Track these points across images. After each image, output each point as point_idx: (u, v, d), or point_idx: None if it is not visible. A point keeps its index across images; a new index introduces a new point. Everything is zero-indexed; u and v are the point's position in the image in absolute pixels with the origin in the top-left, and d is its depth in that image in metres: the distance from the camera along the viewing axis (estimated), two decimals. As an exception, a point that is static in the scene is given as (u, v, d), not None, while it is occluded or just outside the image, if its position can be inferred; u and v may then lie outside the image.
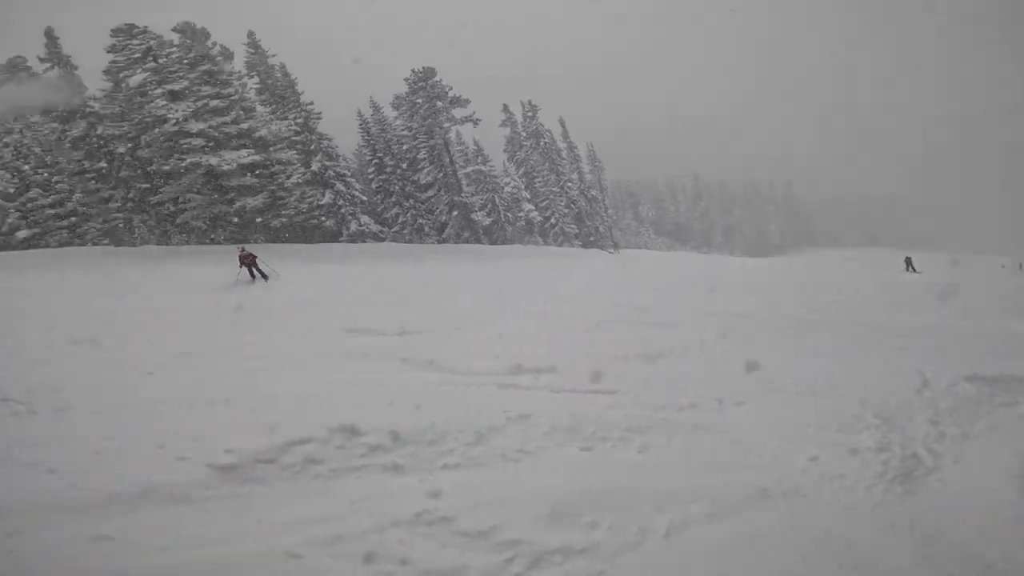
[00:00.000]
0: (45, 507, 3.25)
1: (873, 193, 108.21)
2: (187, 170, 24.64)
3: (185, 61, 25.66)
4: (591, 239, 45.62)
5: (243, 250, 15.25)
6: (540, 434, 4.62)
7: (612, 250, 43.58)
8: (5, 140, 25.30)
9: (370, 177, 35.53)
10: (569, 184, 44.87)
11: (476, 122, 33.78)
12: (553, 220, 42.66)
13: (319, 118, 30.60)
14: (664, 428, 4.93)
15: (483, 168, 38.41)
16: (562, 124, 47.00)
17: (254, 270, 14.82)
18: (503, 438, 4.50)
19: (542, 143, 43.91)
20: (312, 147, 29.63)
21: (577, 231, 44.21)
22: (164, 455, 3.89)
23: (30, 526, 3.09)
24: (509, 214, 38.83)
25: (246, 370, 6.15)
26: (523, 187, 41.05)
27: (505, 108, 43.37)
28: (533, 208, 40.49)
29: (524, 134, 44.06)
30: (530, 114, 44.06)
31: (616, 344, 7.62)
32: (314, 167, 28.97)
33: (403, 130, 35.39)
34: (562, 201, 43.74)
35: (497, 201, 38.16)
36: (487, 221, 36.38)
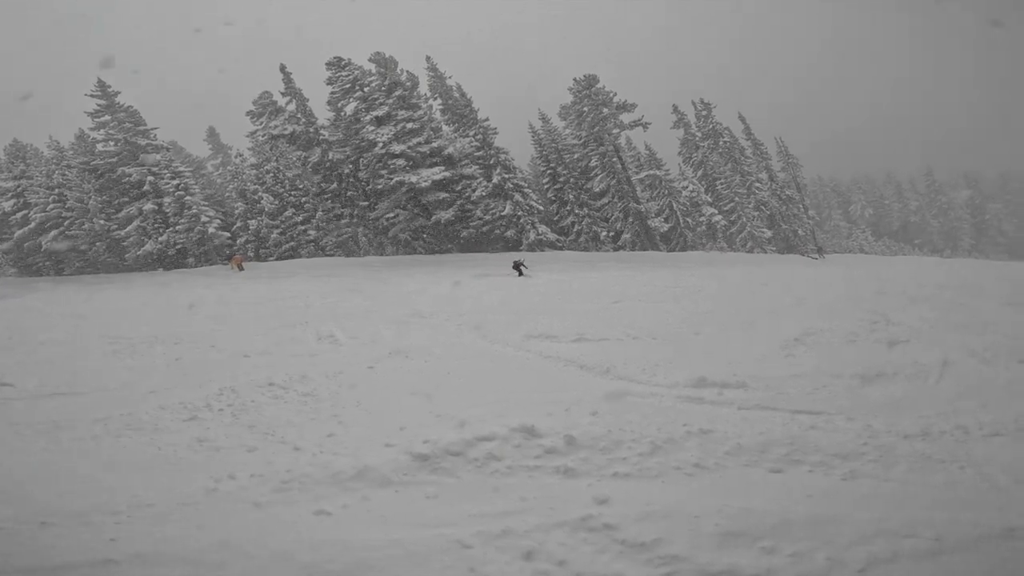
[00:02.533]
0: (288, 482, 3.96)
1: None
2: (394, 188, 28.39)
3: (383, 88, 29.40)
4: (789, 243, 40.71)
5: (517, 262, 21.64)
6: (722, 451, 4.28)
7: (815, 255, 38.25)
8: (267, 167, 31.96)
9: (545, 187, 36.82)
10: (757, 185, 40.81)
11: (645, 126, 32.82)
12: (741, 224, 39.13)
13: (495, 133, 32.66)
14: (881, 456, 4.20)
15: (657, 173, 37.09)
16: (743, 120, 42.96)
17: (521, 268, 20.65)
18: (680, 451, 4.28)
19: (721, 143, 40.69)
20: (491, 161, 31.81)
21: (770, 235, 39.85)
22: (375, 441, 4.53)
23: (275, 499, 3.78)
24: (688, 219, 36.77)
25: (443, 370, 6.86)
26: (703, 190, 38.51)
27: (675, 109, 41.23)
28: (716, 212, 37.69)
29: (699, 135, 41.32)
30: (704, 113, 41.19)
31: (822, 362, 6.70)
32: (495, 180, 31.09)
33: (572, 139, 35.94)
34: (750, 203, 39.91)
35: (675, 206, 36.46)
36: (665, 227, 34.94)
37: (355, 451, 4.38)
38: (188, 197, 28.91)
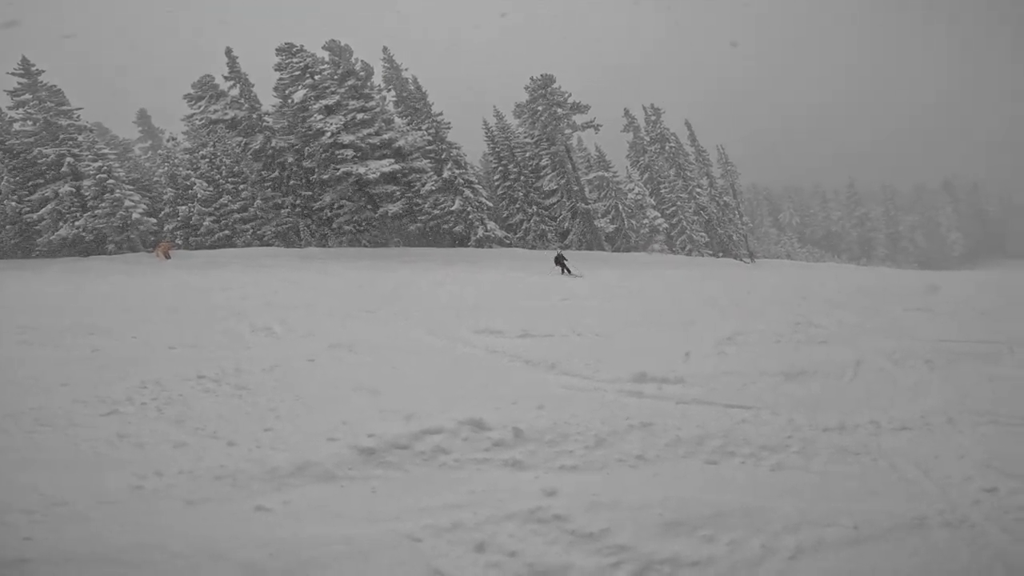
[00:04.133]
0: (222, 478, 3.80)
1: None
2: (340, 179, 27.65)
3: (335, 77, 28.67)
4: (724, 247, 42.80)
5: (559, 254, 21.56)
6: (662, 444, 4.46)
7: (747, 259, 40.43)
8: (202, 152, 30.30)
9: (495, 184, 36.94)
10: (698, 190, 42.67)
11: (597, 128, 33.60)
12: (681, 227, 40.78)
13: (449, 128, 32.51)
14: (803, 448, 4.51)
15: (606, 174, 38.05)
16: (689, 127, 44.89)
17: (565, 267, 20.22)
18: (623, 444, 4.43)
19: (667, 147, 42.31)
20: (443, 156, 31.59)
21: (707, 239, 41.77)
22: (317, 435, 4.40)
23: (206, 496, 3.61)
24: (633, 221, 37.94)
25: (389, 363, 6.75)
26: (647, 193, 39.85)
27: (626, 113, 42.56)
28: (659, 215, 39.10)
29: (648, 139, 42.80)
30: (653, 118, 42.70)
31: (752, 360, 7.11)
32: (445, 175, 30.86)
33: (525, 137, 36.31)
34: (690, 207, 41.67)
35: (620, 208, 37.53)
36: (610, 228, 35.92)
37: (295, 446, 4.23)
38: (111, 180, 26.85)
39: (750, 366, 6.76)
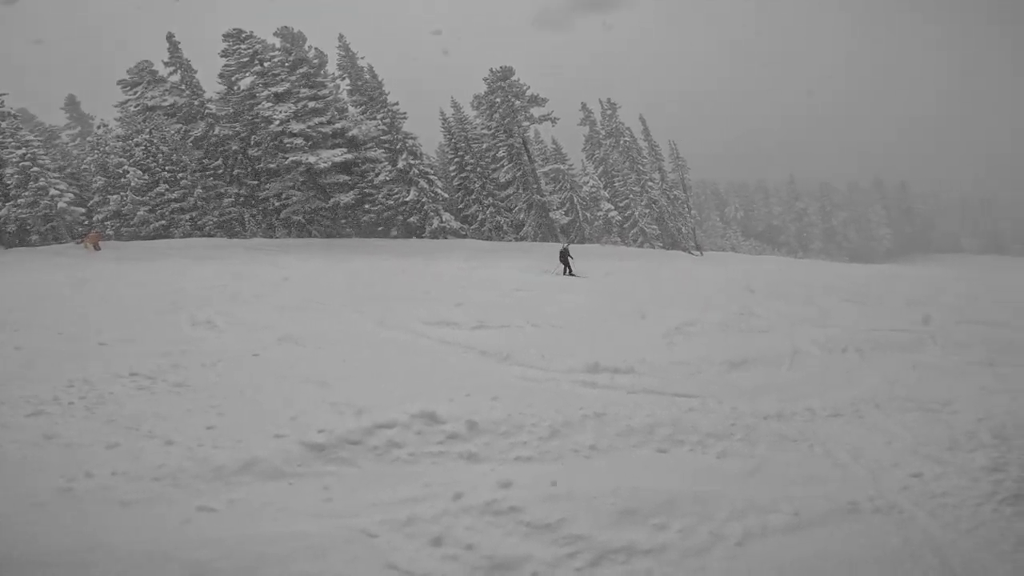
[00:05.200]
0: (160, 478, 3.63)
1: (1004, 196, 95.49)
2: (289, 168, 26.67)
3: (286, 64, 27.64)
4: (673, 240, 44.09)
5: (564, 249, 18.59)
6: (614, 433, 4.57)
7: (696, 252, 41.83)
8: (136, 140, 28.51)
9: (451, 175, 36.57)
10: (650, 184, 43.64)
11: (554, 120, 33.74)
12: (633, 220, 41.70)
13: (404, 118, 31.88)
14: (747, 435, 4.71)
15: (561, 167, 38.35)
16: (643, 122, 45.76)
17: (568, 265, 17.59)
18: (577, 434, 4.50)
19: (622, 141, 43.02)
20: (398, 146, 30.97)
21: (658, 232, 42.91)
22: (263, 432, 4.24)
23: (145, 496, 3.44)
24: (587, 213, 38.49)
25: (339, 357, 6.58)
26: (602, 186, 40.50)
27: (583, 107, 42.99)
28: (612, 208, 39.83)
29: (603, 132, 43.40)
30: (609, 112, 43.29)
31: (698, 350, 7.38)
32: (400, 165, 30.28)
33: (483, 129, 36.09)
34: (642, 201, 42.63)
35: (575, 200, 37.97)
36: (565, 220, 36.27)
37: (240, 443, 4.08)
38: (35, 168, 24.83)
39: (697, 356, 7.01)
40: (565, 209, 37.69)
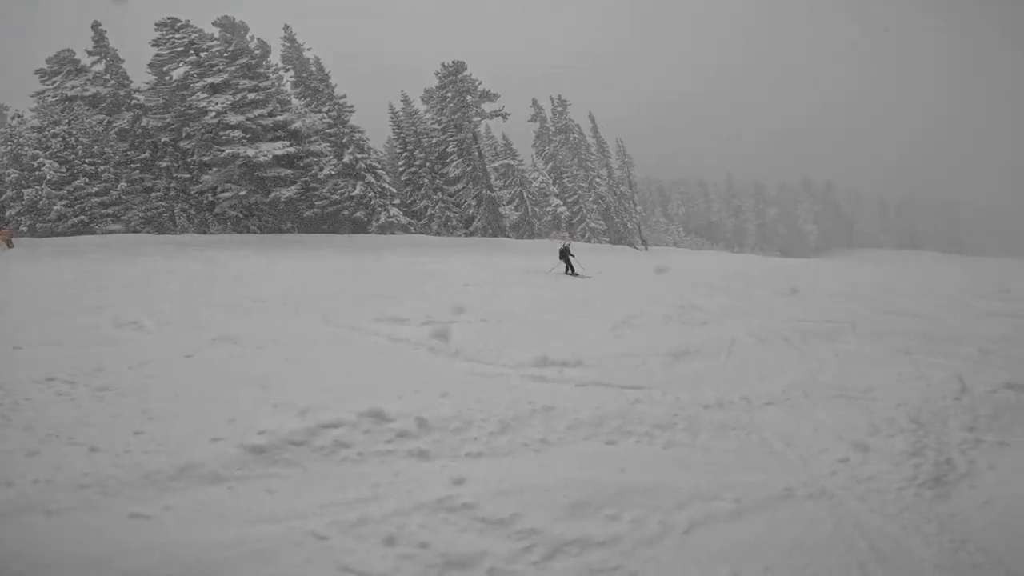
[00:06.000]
0: (86, 486, 3.40)
1: (918, 197, 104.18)
2: (225, 161, 25.44)
3: (225, 55, 26.48)
4: (620, 235, 45.20)
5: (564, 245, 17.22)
6: (564, 426, 4.63)
7: (641, 247, 43.07)
8: (54, 131, 26.43)
9: (400, 170, 36.00)
10: (598, 180, 44.56)
11: (505, 116, 33.85)
12: (581, 215, 42.43)
13: (352, 111, 31.15)
14: (689, 425, 4.89)
15: (511, 163, 38.51)
16: (592, 119, 46.66)
17: (570, 264, 16.32)
18: (527, 428, 4.53)
19: (571, 138, 43.68)
20: (344, 140, 30.17)
21: (605, 227, 43.88)
22: (199, 435, 4.03)
23: (71, 505, 3.22)
24: (537, 209, 38.84)
25: (281, 356, 6.32)
26: (551, 182, 40.98)
27: (534, 103, 43.35)
28: (561, 203, 40.39)
29: (553, 129, 43.91)
30: (559, 109, 43.85)
31: (643, 342, 7.57)
32: (346, 159, 29.50)
33: (433, 124, 35.75)
34: (590, 197, 43.45)
35: (525, 196, 38.22)
36: (515, 215, 36.47)
37: (174, 448, 3.85)
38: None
39: (643, 347, 7.22)
40: (515, 204, 37.90)
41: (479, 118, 34.40)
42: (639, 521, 3.48)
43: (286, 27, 32.48)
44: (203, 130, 25.58)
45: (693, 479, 3.98)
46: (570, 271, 16.16)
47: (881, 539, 3.45)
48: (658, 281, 15.85)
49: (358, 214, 29.91)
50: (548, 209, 39.54)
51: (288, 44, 32.36)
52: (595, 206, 43.60)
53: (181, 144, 26.77)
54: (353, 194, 29.61)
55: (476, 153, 34.95)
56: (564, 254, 16.40)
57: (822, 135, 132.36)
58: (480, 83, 33.62)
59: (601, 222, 43.27)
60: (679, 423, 4.89)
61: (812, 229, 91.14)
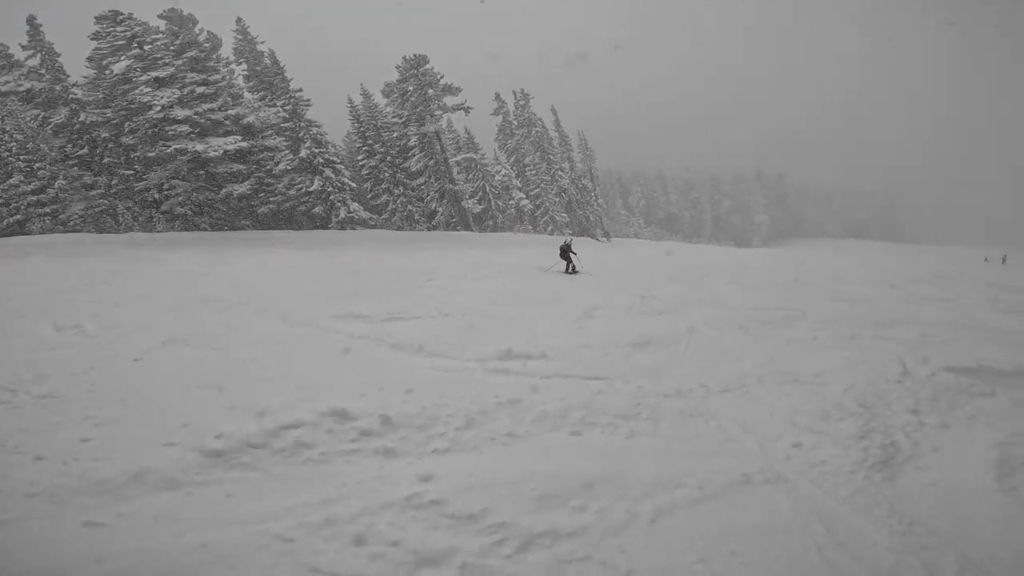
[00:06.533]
0: (34, 495, 3.24)
1: (862, 187, 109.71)
2: (172, 157, 24.39)
3: (171, 48, 25.40)
4: (582, 227, 45.70)
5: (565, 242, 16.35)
6: (530, 419, 4.67)
7: (603, 238, 43.67)
8: (-17, 127, 24.67)
9: (360, 164, 35.32)
10: (560, 173, 44.84)
11: (467, 110, 33.57)
12: (544, 208, 42.69)
13: (308, 105, 30.34)
14: (651, 414, 4.99)
15: (474, 156, 38.30)
16: (554, 113, 46.86)
17: (571, 262, 15.68)
18: (493, 422, 4.55)
19: (534, 132, 43.79)
20: (301, 134, 29.35)
21: (568, 219, 44.28)
22: (152, 441, 3.87)
23: (20, 515, 3.08)
24: (499, 202, 38.82)
25: (238, 357, 6.12)
26: (514, 175, 41.02)
27: (497, 96, 43.25)
28: (524, 196, 40.51)
29: (516, 122, 43.93)
30: (522, 103, 43.87)
31: (605, 333, 7.69)
32: (303, 154, 28.69)
33: (393, 117, 35.19)
34: (553, 190, 43.73)
35: (488, 189, 38.14)
36: (478, 209, 36.37)
37: (124, 455, 3.70)
38: None
39: (604, 338, 7.33)
40: (478, 198, 37.79)
41: (441, 112, 34.04)
42: (606, 511, 3.55)
43: (239, 20, 31.42)
44: (147, 125, 24.39)
45: (656, 467, 4.08)
46: (570, 269, 15.72)
47: (836, 522, 3.59)
48: (618, 272, 16.12)
49: (317, 210, 29.15)
50: (511, 202, 39.58)
51: (241, 37, 31.26)
52: (558, 199, 43.90)
53: (123, 140, 25.44)
54: (311, 189, 28.83)
55: (438, 147, 34.59)
56: (565, 252, 15.94)
57: (776, 128, 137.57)
58: (442, 77, 33.25)
59: (564, 215, 43.62)
60: (641, 412, 5.00)
61: (764, 220, 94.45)
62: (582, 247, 23.87)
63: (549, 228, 42.30)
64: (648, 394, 5.42)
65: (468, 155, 38.08)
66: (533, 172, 42.94)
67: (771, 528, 3.50)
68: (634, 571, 3.12)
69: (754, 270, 17.70)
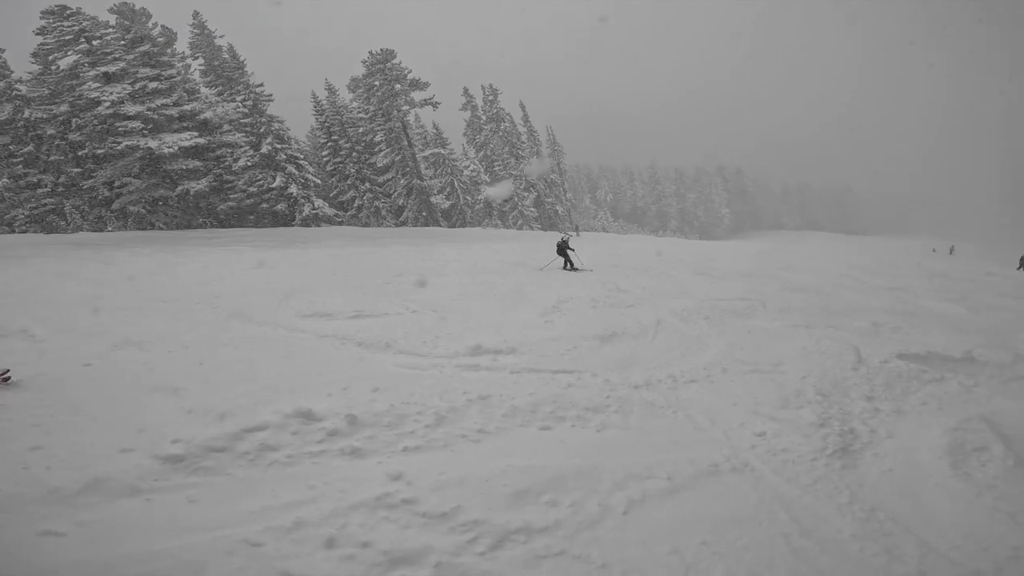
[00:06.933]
0: None
1: (814, 183, 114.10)
2: (123, 153, 23.39)
3: (122, 42, 24.35)
4: (551, 222, 45.93)
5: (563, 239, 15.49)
6: (500, 415, 4.65)
7: (572, 232, 43.99)
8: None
9: (324, 160, 34.58)
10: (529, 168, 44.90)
11: (435, 105, 33.25)
12: (513, 203, 42.70)
13: (270, 100, 29.50)
14: (621, 407, 5.03)
15: (442, 151, 38.01)
16: (523, 108, 46.88)
17: (569, 259, 15.01)
18: (463, 419, 4.52)
19: (502, 127, 43.71)
20: (262, 129, 28.52)
21: (536, 214, 44.42)
22: (107, 448, 3.71)
23: None
24: (468, 197, 38.64)
25: (195, 359, 5.91)
26: (483, 170, 40.89)
27: (465, 92, 42.96)
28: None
29: (484, 118, 43.77)
30: (491, 98, 43.72)
31: (574, 326, 7.72)
32: (264, 150, 27.90)
33: (359, 113, 34.57)
34: (521, 184, 43.76)
35: (456, 184, 37.90)
36: (446, 204, 36.13)
37: (78, 462, 3.55)
38: None
39: (573, 332, 7.36)
40: (446, 193, 37.51)
41: (408, 107, 33.59)
42: (579, 505, 3.56)
43: (196, 14, 30.26)
44: (96, 121, 23.28)
45: (627, 459, 4.11)
46: (569, 266, 15.09)
47: (800, 511, 3.68)
48: (586, 265, 16.25)
49: (280, 207, 28.40)
50: (480, 197, 39.45)
51: (198, 31, 30.13)
52: (526, 193, 43.98)
53: (70, 136, 24.22)
54: (273, 186, 28.08)
55: (405, 142, 34.15)
56: (562, 248, 15.23)
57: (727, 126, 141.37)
58: (410, 71, 32.78)
59: (532, 209, 43.73)
60: (611, 405, 5.03)
61: (726, 212, 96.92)
62: (551, 242, 23.93)
63: (518, 222, 42.35)
64: (617, 386, 5.46)
65: (436, 150, 37.76)
66: (501, 167, 42.89)
67: (740, 517, 3.56)
68: (609, 564, 3.14)
69: (718, 261, 18.14)
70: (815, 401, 5.17)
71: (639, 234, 65.47)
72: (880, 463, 4.31)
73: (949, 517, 3.68)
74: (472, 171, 39.50)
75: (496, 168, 42.87)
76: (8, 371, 4.99)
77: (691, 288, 11.70)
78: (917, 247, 52.83)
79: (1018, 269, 24.68)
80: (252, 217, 28.74)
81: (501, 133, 43.68)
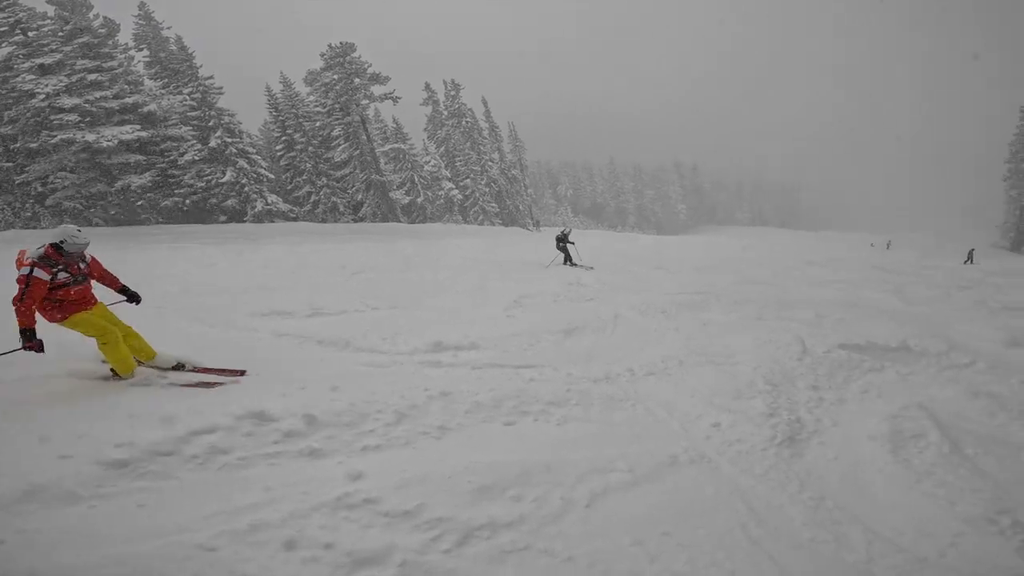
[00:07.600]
0: None
1: (766, 179, 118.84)
2: (58, 147, 22.06)
3: (60, 34, 23.07)
4: (512, 217, 46.01)
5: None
6: (462, 411, 4.63)
7: (532, 228, 44.18)
8: None
9: (279, 154, 33.51)
10: (490, 163, 44.83)
11: (396, 100, 32.72)
12: (474, 199, 42.55)
13: (220, 93, 28.33)
14: (581, 400, 5.09)
15: (402, 147, 37.46)
16: (484, 104, 46.71)
17: (569, 255, 14.75)
18: (425, 416, 4.48)
19: (464, 122, 43.45)
20: (211, 123, 27.36)
21: (498, 209, 44.41)
22: (42, 454, 3.50)
23: None
24: (429, 192, 38.24)
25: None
26: (443, 166, 40.55)
27: (427, 87, 42.48)
28: (454, 187, 40.17)
29: (446, 113, 43.41)
30: (453, 93, 43.38)
31: (535, 321, 7.77)
32: (212, 143, 26.77)
33: (316, 107, 33.66)
34: (483, 180, 43.65)
35: (416, 180, 37.44)
36: (406, 200, 35.65)
37: (10, 470, 3.31)
38: None
39: (534, 326, 7.41)
40: (406, 189, 37.02)
41: (367, 101, 32.92)
42: (543, 499, 3.59)
43: (141, 4, 28.87)
44: (29, 114, 21.87)
45: (589, 452, 4.16)
46: (569, 262, 14.70)
47: (755, 499, 3.80)
48: (546, 261, 16.38)
49: (230, 202, 27.33)
50: (441, 193, 39.12)
51: (143, 23, 28.81)
52: (487, 189, 43.88)
53: (1, 130, 22.66)
54: (223, 180, 26.98)
55: (364, 137, 33.44)
56: (562, 245, 14.78)
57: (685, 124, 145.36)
58: (370, 65, 32.10)
59: (493, 205, 43.68)
60: (572, 398, 5.08)
61: (682, 208, 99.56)
62: (512, 236, 24.04)
63: (479, 218, 42.23)
64: (578, 380, 5.52)
65: (396, 145, 37.18)
66: (463, 162, 42.67)
67: (699, 508, 3.65)
68: (574, 557, 3.17)
69: (674, 255, 18.63)
70: (765, 391, 5.29)
71: (599, 230, 66.40)
72: (826, 451, 4.45)
73: (892, 503, 3.82)
74: (433, 166, 39.11)
75: (457, 163, 42.60)
76: None
77: (649, 282, 11.98)
78: (857, 241, 55.74)
79: (964, 263, 26.13)
80: (202, 213, 27.55)
81: (463, 128, 43.40)
